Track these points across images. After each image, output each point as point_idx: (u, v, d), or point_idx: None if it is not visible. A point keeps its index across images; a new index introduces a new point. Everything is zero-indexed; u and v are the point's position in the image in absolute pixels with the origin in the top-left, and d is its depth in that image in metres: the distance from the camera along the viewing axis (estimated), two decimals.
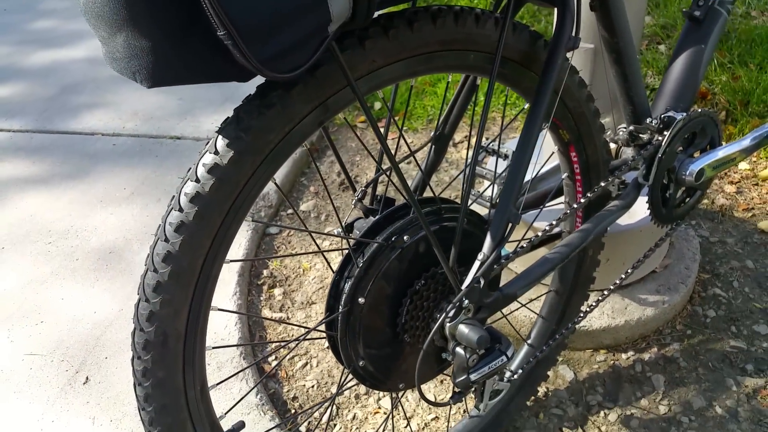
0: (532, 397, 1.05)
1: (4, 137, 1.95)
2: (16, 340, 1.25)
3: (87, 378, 1.16)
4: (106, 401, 1.10)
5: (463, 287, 0.71)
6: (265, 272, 1.38)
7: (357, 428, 1.04)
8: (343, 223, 0.77)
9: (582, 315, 0.95)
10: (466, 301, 0.71)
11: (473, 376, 0.73)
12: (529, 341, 1.01)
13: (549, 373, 1.05)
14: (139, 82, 0.49)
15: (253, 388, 1.08)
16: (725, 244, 1.31)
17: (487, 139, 1.01)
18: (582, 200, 0.84)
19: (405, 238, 0.71)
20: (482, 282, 0.72)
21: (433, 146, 0.85)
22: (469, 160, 0.74)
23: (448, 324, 0.72)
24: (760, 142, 0.99)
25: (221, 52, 0.46)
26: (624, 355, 1.11)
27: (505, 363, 0.74)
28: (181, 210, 0.56)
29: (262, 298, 1.32)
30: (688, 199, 0.99)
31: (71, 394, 1.11)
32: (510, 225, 0.72)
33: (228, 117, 0.58)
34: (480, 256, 0.71)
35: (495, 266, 0.71)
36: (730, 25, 1.86)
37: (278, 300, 1.31)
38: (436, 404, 0.76)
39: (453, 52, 0.67)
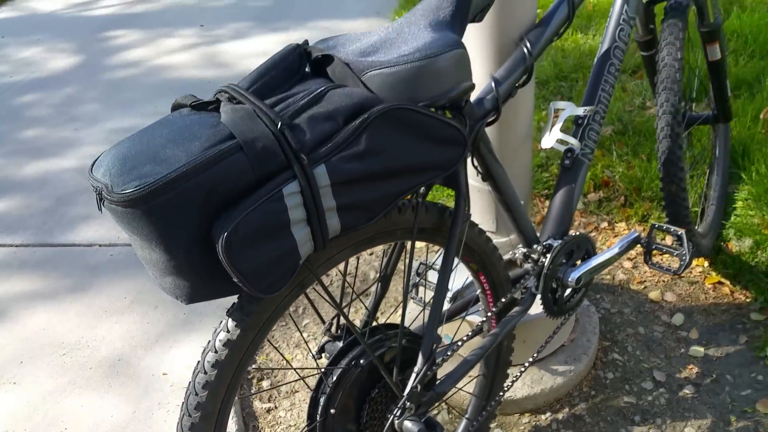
0: None
1: (8, 252, 2.20)
2: None
3: None
4: None
5: (405, 393, 1.00)
6: (252, 367, 1.65)
7: None
8: (313, 351, 1.06)
9: (505, 390, 1.25)
10: (408, 403, 1.00)
11: None
12: (466, 416, 1.31)
13: None
14: (179, 300, 0.78)
15: None
16: (623, 314, 1.63)
17: (423, 263, 1.32)
18: (492, 310, 1.15)
19: (361, 361, 1.01)
20: (419, 388, 1.01)
21: (379, 284, 1.16)
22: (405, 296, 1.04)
23: (396, 421, 1.01)
24: (626, 248, 1.31)
25: (234, 283, 0.75)
26: (543, 416, 1.41)
27: None
28: (205, 373, 0.85)
29: (252, 390, 1.59)
30: (576, 295, 1.31)
31: None
32: (435, 345, 1.02)
33: (234, 303, 0.87)
34: (416, 369, 1.01)
35: (428, 373, 1.01)
36: (627, 116, 2.23)
37: (267, 391, 1.58)
38: None
39: (384, 233, 0.97)
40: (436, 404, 1.15)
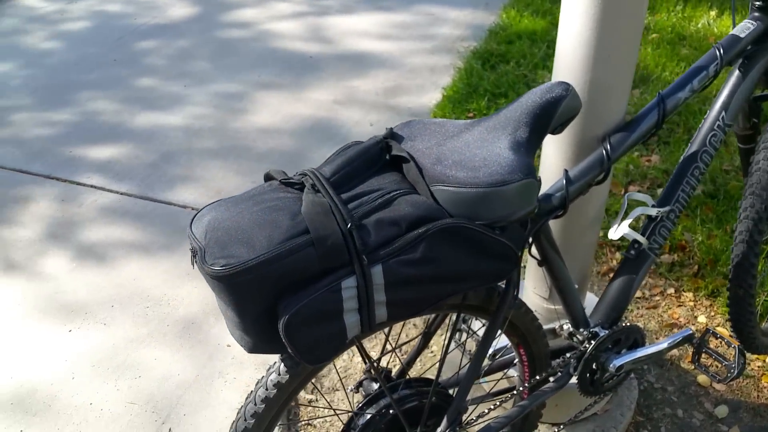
0: None
1: (115, 199, 2.45)
2: (122, 389, 1.72)
3: (170, 429, 1.61)
4: None
5: None
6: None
7: None
8: (348, 388, 1.17)
9: None
10: None
11: None
12: None
13: None
14: (243, 349, 0.90)
15: None
16: (665, 391, 1.64)
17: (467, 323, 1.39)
18: (525, 384, 1.21)
19: (390, 411, 1.11)
20: None
21: (422, 339, 1.25)
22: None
23: None
24: (675, 345, 1.32)
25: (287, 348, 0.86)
26: None
27: None
28: (255, 404, 0.98)
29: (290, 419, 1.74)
30: (615, 377, 1.34)
31: None
32: (460, 413, 1.10)
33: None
34: (439, 430, 1.10)
35: None
36: (722, 178, 2.15)
37: (304, 423, 1.70)
38: None
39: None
40: None
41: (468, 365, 1.14)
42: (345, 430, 1.14)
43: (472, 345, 1.35)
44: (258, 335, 0.86)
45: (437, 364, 1.37)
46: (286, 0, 4.13)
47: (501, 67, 2.97)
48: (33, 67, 3.49)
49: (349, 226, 0.83)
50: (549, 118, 0.96)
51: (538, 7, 3.48)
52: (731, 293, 1.41)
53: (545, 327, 1.42)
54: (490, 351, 1.37)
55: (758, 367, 1.68)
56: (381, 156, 0.94)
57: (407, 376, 1.23)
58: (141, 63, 3.46)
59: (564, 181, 1.10)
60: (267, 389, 0.98)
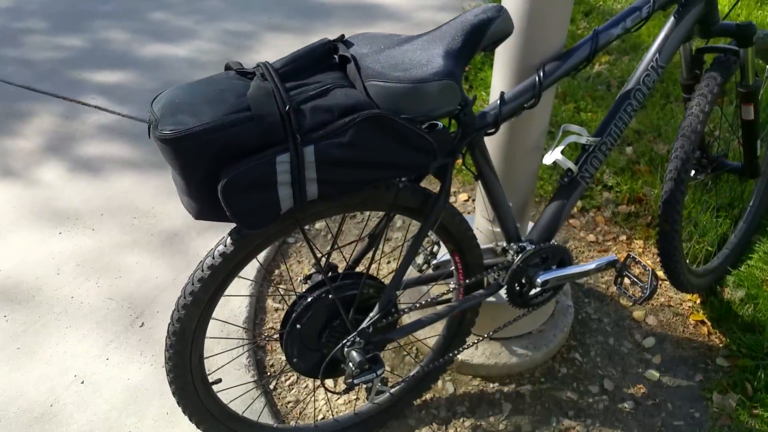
0: (419, 399, 1.59)
1: (115, 120, 2.59)
2: (102, 286, 1.88)
3: (143, 323, 1.78)
4: (152, 342, 1.72)
5: (357, 330, 1.24)
6: (276, 271, 1.96)
7: (295, 391, 1.61)
8: (299, 277, 1.32)
9: (456, 353, 1.47)
10: (358, 339, 1.25)
11: (355, 381, 1.27)
12: (420, 363, 1.54)
13: (432, 385, 1.58)
14: (191, 215, 1.04)
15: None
16: (601, 322, 1.78)
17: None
18: (459, 284, 1.35)
19: (330, 296, 1.25)
20: (371, 329, 1.25)
21: (367, 240, 1.38)
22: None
23: (345, 349, 1.26)
24: (599, 268, 1.45)
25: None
26: (491, 385, 1.62)
27: (373, 378, 1.27)
28: (202, 270, 1.12)
29: (270, 290, 1.89)
30: (543, 294, 1.47)
31: (131, 332, 1.74)
32: (390, 302, 1.25)
33: (235, 227, 1.12)
34: (371, 314, 1.25)
35: (383, 320, 1.25)
36: None
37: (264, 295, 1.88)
38: (332, 391, 1.32)
39: (371, 203, 1.18)
40: (388, 347, 1.39)
41: (401, 260, 1.28)
42: (289, 311, 1.28)
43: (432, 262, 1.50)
44: (202, 200, 1.00)
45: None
46: None
47: None
48: None
49: (287, 108, 0.96)
50: (480, 35, 1.07)
51: None
52: (659, 228, 1.52)
53: (487, 246, 1.55)
54: (435, 262, 1.51)
55: (689, 306, 1.81)
56: (328, 56, 1.06)
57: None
58: None
59: (498, 102, 1.22)
60: (213, 258, 1.12)
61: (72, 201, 2.19)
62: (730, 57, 1.45)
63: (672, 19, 1.33)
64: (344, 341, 1.25)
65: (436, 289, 1.69)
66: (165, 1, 3.54)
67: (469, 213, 2.14)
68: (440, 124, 1.11)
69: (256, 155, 0.95)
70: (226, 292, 1.56)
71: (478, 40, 1.07)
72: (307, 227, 2.09)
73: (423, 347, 1.70)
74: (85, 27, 3.28)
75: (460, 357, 1.63)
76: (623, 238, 2.02)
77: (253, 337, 1.76)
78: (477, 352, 1.63)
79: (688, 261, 1.88)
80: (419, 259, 1.49)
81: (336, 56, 1.07)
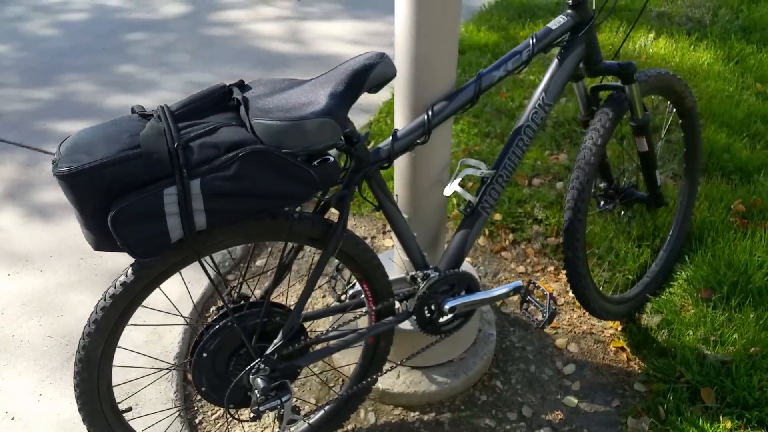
0: (340, 429, 1.63)
1: None
2: (44, 325, 1.93)
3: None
4: None
5: (262, 357, 1.30)
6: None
7: (214, 417, 1.65)
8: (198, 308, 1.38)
9: (370, 381, 1.52)
10: (263, 366, 1.31)
11: (261, 408, 1.32)
12: (339, 392, 1.59)
13: (353, 415, 1.62)
14: (91, 245, 1.11)
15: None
16: (525, 350, 1.83)
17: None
18: (368, 310, 1.42)
19: (235, 325, 1.32)
20: (275, 356, 1.31)
21: (277, 271, 1.46)
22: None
23: (251, 377, 1.31)
24: (505, 294, 1.52)
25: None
26: (412, 414, 1.67)
27: (278, 404, 1.32)
28: (104, 300, 1.19)
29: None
30: (455, 321, 1.54)
31: (66, 368, 1.79)
32: (293, 328, 1.31)
33: (136, 261, 1.20)
34: (275, 341, 1.31)
35: (289, 347, 1.31)
36: None
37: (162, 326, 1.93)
38: (236, 418, 1.36)
39: (271, 233, 1.27)
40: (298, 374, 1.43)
41: (303, 287, 1.35)
42: (197, 341, 1.34)
43: (342, 289, 1.57)
44: (99, 232, 1.08)
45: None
46: (272, 5, 4.41)
47: None
48: (27, 50, 3.78)
49: (176, 145, 1.05)
50: (363, 79, 1.18)
51: (494, 23, 3.72)
52: (564, 256, 1.61)
53: (399, 276, 1.63)
54: (351, 292, 1.58)
55: (610, 333, 1.87)
56: (223, 99, 1.17)
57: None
58: (126, 52, 3.74)
59: (391, 138, 1.32)
60: (115, 288, 1.20)
61: (24, 244, 2.26)
62: (621, 94, 1.56)
63: (556, 60, 1.45)
64: (247, 368, 1.31)
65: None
66: (133, 54, 3.71)
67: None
68: (332, 158, 1.21)
69: (145, 189, 1.04)
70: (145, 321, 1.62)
71: (361, 83, 1.18)
72: (240, 253, 2.16)
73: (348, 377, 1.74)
74: (55, 80, 3.42)
75: (381, 386, 1.68)
76: (551, 268, 2.10)
77: (177, 365, 1.81)
78: (398, 381, 1.68)
79: (612, 290, 1.96)
80: (338, 288, 1.57)
81: (233, 98, 1.18)
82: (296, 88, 1.18)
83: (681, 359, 1.68)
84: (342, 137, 1.25)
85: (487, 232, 2.24)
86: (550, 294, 1.46)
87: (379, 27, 4.05)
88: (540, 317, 1.48)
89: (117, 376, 1.68)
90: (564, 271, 2.07)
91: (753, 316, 1.73)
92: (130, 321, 1.72)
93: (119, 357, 1.77)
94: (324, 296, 2.03)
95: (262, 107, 1.12)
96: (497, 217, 2.27)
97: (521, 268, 2.11)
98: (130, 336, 1.89)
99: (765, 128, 2.59)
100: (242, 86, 1.21)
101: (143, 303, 1.25)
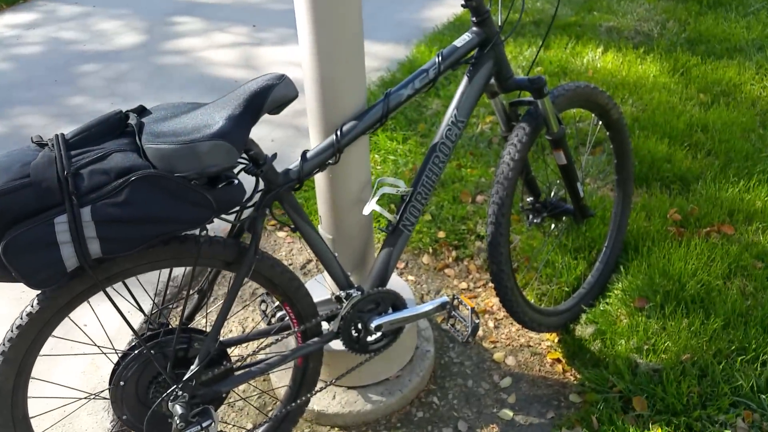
0: None
1: None
2: None
3: None
4: None
5: (179, 383, 1.29)
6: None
7: None
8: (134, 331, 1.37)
9: (301, 403, 1.51)
10: (181, 392, 1.29)
11: None
12: (269, 415, 1.57)
13: None
14: None
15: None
16: (462, 365, 1.83)
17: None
18: (297, 329, 1.41)
19: (152, 352, 1.30)
20: (194, 382, 1.30)
21: (197, 296, 1.45)
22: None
23: (170, 403, 1.30)
24: (431, 310, 1.51)
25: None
26: None
27: (199, 431, 1.30)
28: (12, 331, 1.18)
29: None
30: (384, 339, 1.54)
31: None
32: (209, 353, 1.30)
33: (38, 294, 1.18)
34: (191, 367, 1.30)
35: (209, 372, 1.30)
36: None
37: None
38: None
39: (181, 259, 1.26)
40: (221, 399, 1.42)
41: (219, 311, 1.34)
42: (114, 370, 1.32)
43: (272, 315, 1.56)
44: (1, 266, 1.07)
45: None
46: (227, 32, 4.44)
47: None
48: None
49: (66, 173, 1.05)
50: (262, 100, 1.19)
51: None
52: (490, 270, 1.62)
53: (326, 297, 1.63)
54: (278, 314, 1.57)
55: (547, 345, 1.88)
56: (120, 124, 1.17)
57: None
58: (78, 84, 3.73)
59: (300, 160, 1.33)
60: (21, 319, 1.18)
61: None
62: (537, 108, 1.59)
63: (465, 77, 1.48)
64: (164, 395, 1.29)
65: None
66: (85, 86, 3.70)
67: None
68: (236, 180, 1.21)
69: (36, 218, 1.04)
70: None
71: (260, 105, 1.19)
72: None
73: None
74: (5, 113, 3.40)
75: (316, 407, 1.66)
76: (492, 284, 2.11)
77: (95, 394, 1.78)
78: (333, 402, 1.67)
79: (550, 302, 1.97)
80: (268, 310, 1.56)
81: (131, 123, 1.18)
82: (194, 112, 1.18)
83: (613, 369, 1.69)
84: (247, 159, 1.26)
85: (430, 249, 2.26)
86: (472, 308, 1.47)
87: None
88: (464, 331, 1.49)
89: (41, 406, 1.65)
90: None
91: (685, 323, 1.75)
92: (59, 351, 1.70)
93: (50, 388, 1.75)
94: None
95: (156, 131, 1.12)
96: (441, 234, 2.29)
97: (464, 284, 2.12)
98: (64, 367, 1.86)
99: (705, 137, 2.64)
100: (142, 111, 1.22)
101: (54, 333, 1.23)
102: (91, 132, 1.14)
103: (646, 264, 1.96)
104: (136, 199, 1.07)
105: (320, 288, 1.73)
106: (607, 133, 1.88)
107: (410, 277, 2.17)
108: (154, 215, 1.10)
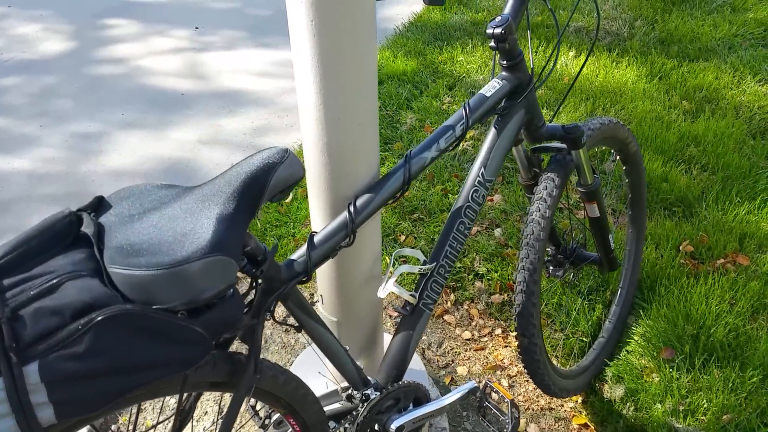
0: None
1: None
2: None
3: None
4: None
5: None
6: None
7: None
8: None
9: None
10: None
11: None
12: None
13: None
14: None
15: None
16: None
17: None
18: None
19: None
20: None
21: (179, 420, 1.17)
22: None
23: None
24: (459, 398, 1.30)
25: None
26: None
27: None
28: None
29: None
30: None
31: None
32: None
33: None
34: None
35: None
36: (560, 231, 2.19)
37: None
38: None
39: (166, 388, 0.98)
40: None
41: None
42: None
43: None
44: None
45: None
46: (167, 35, 4.03)
47: None
48: None
49: None
50: (262, 186, 0.91)
51: (411, 48, 3.53)
52: (518, 343, 1.41)
53: (329, 389, 1.38)
54: (275, 418, 1.31)
55: (570, 408, 1.69)
56: (70, 230, 0.87)
57: None
58: None
59: (306, 247, 1.06)
60: None
61: None
62: (566, 156, 1.38)
63: (493, 129, 1.24)
64: None
65: None
66: (7, 104, 3.25)
67: None
68: (230, 291, 0.94)
69: None
70: None
71: (260, 193, 0.91)
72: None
73: None
74: None
75: None
76: (499, 331, 1.91)
77: None
78: None
79: (566, 354, 1.78)
80: (261, 413, 1.30)
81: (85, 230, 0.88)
82: (171, 207, 0.89)
83: None
84: (243, 259, 0.99)
85: None
86: (512, 401, 1.25)
87: (287, 55, 3.77)
88: (502, 427, 1.27)
89: None
90: (513, 332, 1.89)
91: (720, 376, 1.60)
92: None
93: None
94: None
95: (123, 246, 0.83)
96: None
97: (467, 334, 1.91)
98: None
99: (698, 151, 2.52)
100: (98, 206, 0.92)
101: None
102: (29, 246, 0.83)
103: (665, 305, 1.80)
104: (103, 347, 0.78)
105: (314, 371, 1.48)
106: (624, 168, 1.69)
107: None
108: (128, 365, 0.80)
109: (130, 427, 1.65)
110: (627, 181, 1.73)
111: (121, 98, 3.28)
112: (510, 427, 1.26)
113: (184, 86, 3.41)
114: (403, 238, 2.21)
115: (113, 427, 1.64)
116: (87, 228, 0.86)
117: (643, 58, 3.28)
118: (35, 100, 3.28)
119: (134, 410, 1.69)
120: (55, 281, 0.79)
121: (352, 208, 1.08)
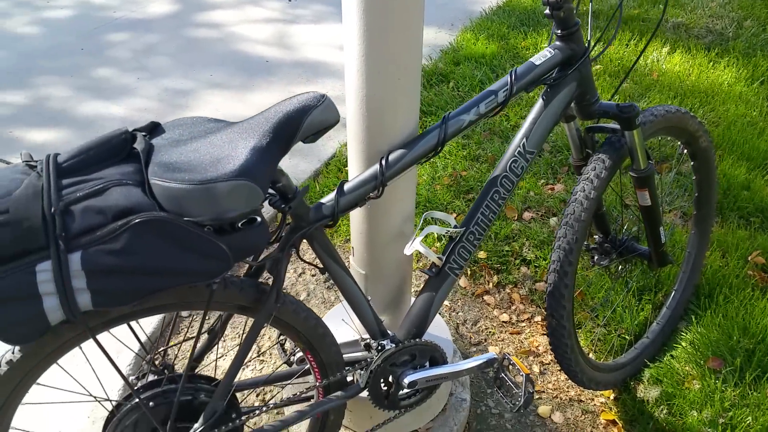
0: None
1: None
2: None
3: None
4: None
5: None
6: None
7: None
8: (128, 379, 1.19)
9: None
10: None
11: None
12: None
13: None
14: None
15: None
16: (502, 417, 1.62)
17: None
18: (317, 386, 1.21)
19: (151, 403, 1.11)
20: None
21: (208, 337, 1.25)
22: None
23: None
24: (475, 367, 1.30)
25: None
26: None
27: None
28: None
29: None
30: (416, 395, 1.33)
31: None
32: (215, 412, 1.11)
33: None
34: (194, 426, 1.11)
35: (217, 428, 1.11)
36: (616, 211, 2.12)
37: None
38: None
39: (189, 303, 1.06)
40: None
41: (232, 363, 1.15)
42: (109, 418, 1.14)
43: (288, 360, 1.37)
44: None
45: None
46: (261, 6, 4.20)
47: (440, 86, 2.98)
48: (3, 50, 3.59)
49: (53, 210, 0.84)
50: (296, 127, 0.96)
51: (494, 32, 3.48)
52: (547, 323, 1.39)
53: (351, 339, 1.42)
54: (298, 355, 1.37)
55: (600, 403, 1.65)
56: (125, 147, 0.96)
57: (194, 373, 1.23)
58: (105, 54, 3.55)
59: (335, 193, 1.11)
60: (1, 366, 1.00)
61: None
62: (621, 138, 1.34)
63: (540, 101, 1.23)
64: None
65: None
66: (113, 57, 3.51)
67: None
68: (259, 219, 1.00)
69: (12, 264, 0.84)
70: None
71: (293, 132, 0.97)
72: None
73: None
74: (28, 83, 3.23)
75: None
76: (538, 319, 1.88)
77: None
78: None
79: (606, 351, 1.74)
80: (287, 348, 1.37)
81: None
82: (215, 136, 0.97)
83: None
84: (274, 193, 1.05)
85: (469, 272, 2.03)
86: (527, 375, 1.24)
87: None
88: (515, 401, 1.27)
89: None
90: None
91: None
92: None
93: None
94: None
95: (167, 162, 0.91)
96: (482, 255, 2.06)
97: (505, 316, 1.90)
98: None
99: None
100: (153, 129, 1.01)
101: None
102: (89, 155, 0.93)
103: (721, 315, 1.71)
104: (137, 247, 0.87)
105: (342, 322, 1.53)
106: (692, 163, 1.61)
107: (445, 303, 1.95)
108: (157, 267, 0.89)
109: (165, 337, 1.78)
110: (695, 178, 1.65)
111: (212, 60, 3.47)
112: (522, 401, 1.25)
113: (270, 54, 3.55)
114: (454, 215, 2.21)
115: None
116: (139, 146, 0.95)
117: (745, 60, 3.07)
118: (137, 55, 3.53)
119: (171, 322, 1.81)
120: (103, 185, 0.88)
121: (383, 162, 1.11)
